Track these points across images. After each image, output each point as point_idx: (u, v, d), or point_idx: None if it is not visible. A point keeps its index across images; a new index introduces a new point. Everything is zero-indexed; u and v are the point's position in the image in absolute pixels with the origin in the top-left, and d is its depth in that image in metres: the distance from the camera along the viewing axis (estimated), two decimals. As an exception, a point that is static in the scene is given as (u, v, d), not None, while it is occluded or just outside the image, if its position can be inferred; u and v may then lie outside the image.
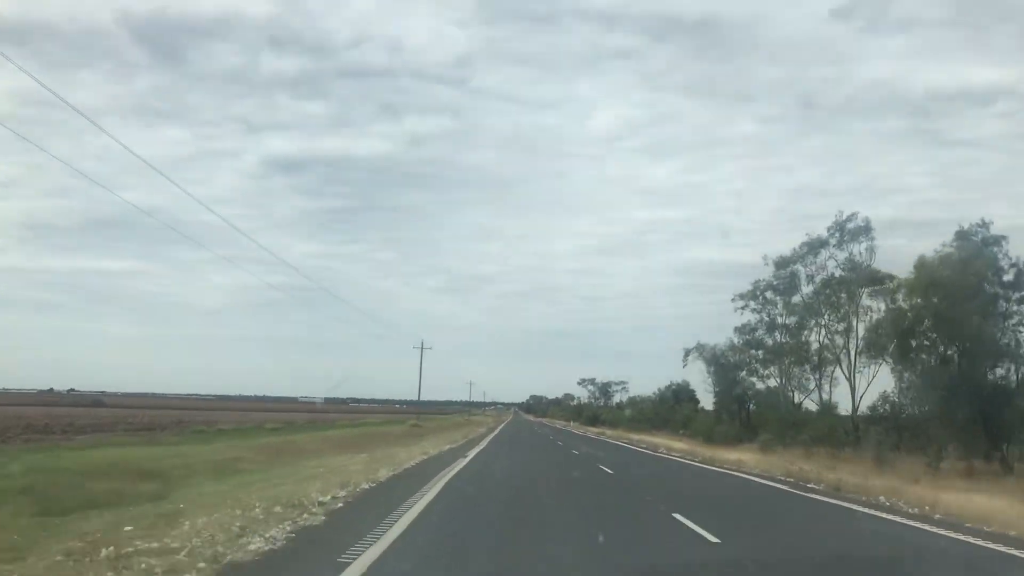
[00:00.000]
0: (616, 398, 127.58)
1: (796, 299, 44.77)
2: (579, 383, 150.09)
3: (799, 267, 43.87)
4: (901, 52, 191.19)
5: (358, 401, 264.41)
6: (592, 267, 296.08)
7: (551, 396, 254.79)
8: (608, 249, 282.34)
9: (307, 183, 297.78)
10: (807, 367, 44.81)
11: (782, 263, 44.68)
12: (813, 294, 43.32)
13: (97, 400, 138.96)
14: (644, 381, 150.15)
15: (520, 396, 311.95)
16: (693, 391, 69.74)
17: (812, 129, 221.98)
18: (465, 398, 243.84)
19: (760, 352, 47.61)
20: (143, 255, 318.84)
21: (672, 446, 42.93)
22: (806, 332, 45.18)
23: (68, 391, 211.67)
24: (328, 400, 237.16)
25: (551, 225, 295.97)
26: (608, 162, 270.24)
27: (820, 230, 42.37)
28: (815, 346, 43.46)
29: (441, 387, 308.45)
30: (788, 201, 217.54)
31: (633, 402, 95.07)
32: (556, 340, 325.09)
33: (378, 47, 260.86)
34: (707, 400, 60.66)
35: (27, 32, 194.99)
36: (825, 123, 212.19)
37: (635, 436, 56.89)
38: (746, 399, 49.16)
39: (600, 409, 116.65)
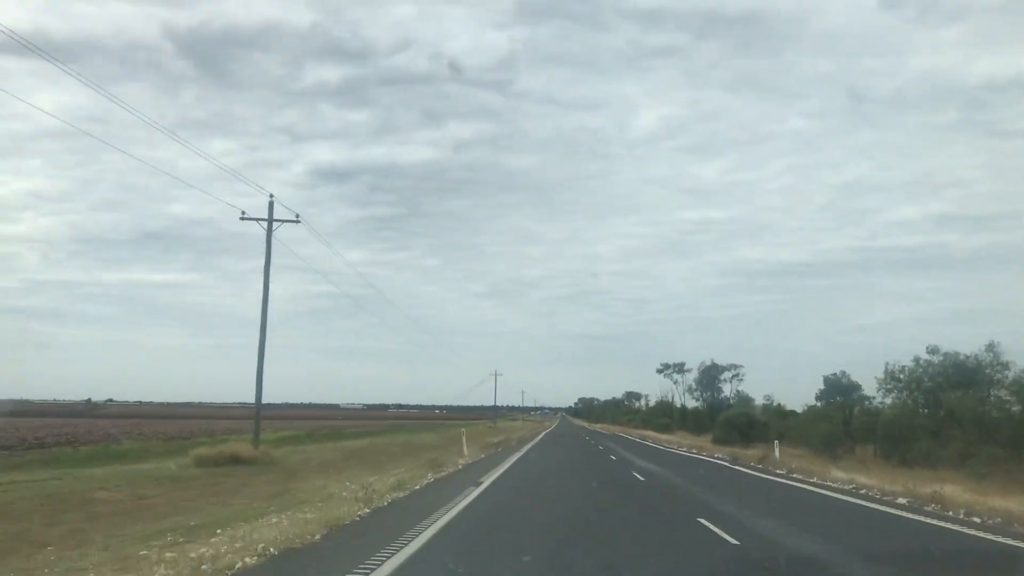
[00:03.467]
0: (727, 390, 78.59)
1: None
2: (660, 370, 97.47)
3: None
4: (954, 41, 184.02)
5: (402, 407, 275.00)
6: (638, 269, 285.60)
7: (603, 399, 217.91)
8: (654, 250, 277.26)
9: (353, 192, 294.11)
10: None
11: None
12: None
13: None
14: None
15: (567, 400, 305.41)
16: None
17: (861, 123, 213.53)
18: (513, 403, 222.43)
19: None
20: (193, 266, 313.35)
21: None
22: None
23: (106, 401, 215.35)
24: (367, 407, 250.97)
25: (595, 228, 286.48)
26: (652, 162, 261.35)
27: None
28: None
29: (485, 392, 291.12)
30: (837, 197, 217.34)
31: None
32: (602, 344, 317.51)
33: (420, 53, 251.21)
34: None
35: (76, 48, 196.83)
36: (875, 117, 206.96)
37: None
38: None
39: (741, 411, 57.92)
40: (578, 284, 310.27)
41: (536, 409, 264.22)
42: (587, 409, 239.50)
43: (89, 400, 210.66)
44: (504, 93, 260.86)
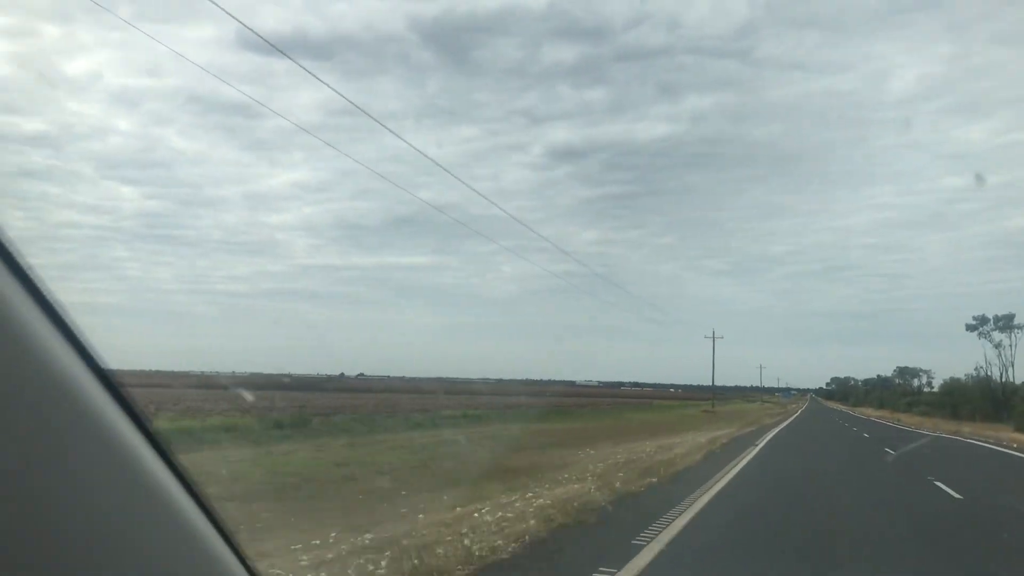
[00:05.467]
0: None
1: None
2: (971, 327, 69.83)
3: None
4: None
5: (637, 384, 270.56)
6: (894, 242, 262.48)
7: (859, 378, 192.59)
8: (912, 222, 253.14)
9: (588, 171, 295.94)
10: None
11: None
12: None
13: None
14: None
15: (816, 381, 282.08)
16: None
17: None
18: (755, 383, 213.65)
19: None
20: (438, 249, 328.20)
21: None
22: None
23: (357, 375, 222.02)
24: (602, 384, 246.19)
25: (846, 199, 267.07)
26: (910, 126, 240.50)
27: None
28: None
29: (726, 372, 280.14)
30: None
31: None
32: (855, 322, 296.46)
33: (656, 25, 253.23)
34: None
35: (331, 46, 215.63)
36: None
37: None
38: None
39: None
40: (827, 259, 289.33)
41: (780, 390, 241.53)
42: (842, 390, 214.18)
43: (342, 374, 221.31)
44: (744, 61, 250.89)
